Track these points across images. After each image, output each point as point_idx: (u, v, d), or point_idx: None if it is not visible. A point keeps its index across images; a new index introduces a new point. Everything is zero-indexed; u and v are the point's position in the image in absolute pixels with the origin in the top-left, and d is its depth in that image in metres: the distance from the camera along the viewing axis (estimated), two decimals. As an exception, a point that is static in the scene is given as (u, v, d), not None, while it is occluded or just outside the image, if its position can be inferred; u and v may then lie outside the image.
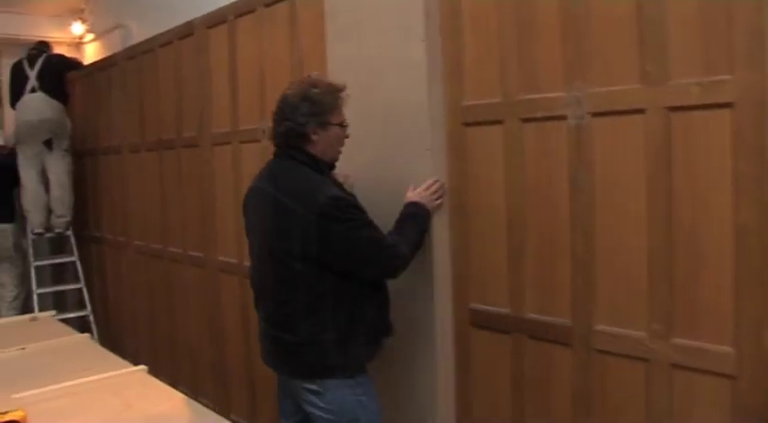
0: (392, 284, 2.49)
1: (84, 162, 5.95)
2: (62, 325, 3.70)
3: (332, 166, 2.46)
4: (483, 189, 2.49)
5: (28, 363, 2.92)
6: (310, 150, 2.35)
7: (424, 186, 2.50)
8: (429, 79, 2.53)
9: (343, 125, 2.40)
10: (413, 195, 2.48)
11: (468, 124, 2.52)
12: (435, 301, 2.58)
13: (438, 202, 2.52)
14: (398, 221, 2.41)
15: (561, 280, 2.27)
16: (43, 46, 5.79)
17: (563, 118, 2.21)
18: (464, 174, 2.54)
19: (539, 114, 2.28)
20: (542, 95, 2.27)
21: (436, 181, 2.52)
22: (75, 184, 5.85)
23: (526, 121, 2.33)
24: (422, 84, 2.53)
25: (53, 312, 4.05)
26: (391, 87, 2.66)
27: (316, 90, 2.33)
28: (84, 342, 3.32)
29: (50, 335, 3.37)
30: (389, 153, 2.68)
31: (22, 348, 3.12)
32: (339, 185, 2.41)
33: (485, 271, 2.51)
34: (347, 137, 2.43)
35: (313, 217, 2.20)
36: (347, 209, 2.26)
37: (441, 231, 2.57)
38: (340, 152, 2.44)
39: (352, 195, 2.45)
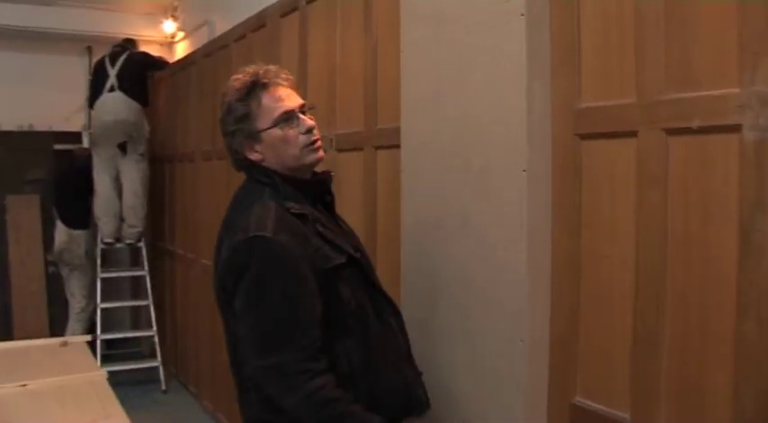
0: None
1: (163, 169, 5.51)
2: (88, 355, 3.18)
3: (313, 179, 1.79)
4: (603, 233, 1.69)
5: (16, 407, 2.42)
6: (266, 166, 1.73)
7: None
8: (529, 70, 1.76)
9: (284, 120, 1.71)
10: None
11: (584, 136, 1.73)
12: (523, 385, 1.80)
13: None
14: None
15: (717, 385, 1.44)
16: (128, 43, 5.41)
17: (734, 129, 1.39)
18: (576, 208, 1.75)
19: (694, 123, 1.46)
20: (701, 93, 1.45)
21: None
22: (152, 192, 5.41)
23: (673, 132, 1.51)
24: (519, 76, 1.77)
25: (89, 337, 3.57)
26: (478, 84, 1.92)
27: (228, 98, 1.73)
28: (98, 383, 2.77)
29: (66, 368, 2.90)
30: (472, 176, 1.94)
31: (23, 385, 2.65)
32: (316, 220, 1.69)
33: (598, 352, 1.71)
34: (308, 130, 1.73)
35: (224, 261, 1.65)
36: (266, 260, 1.58)
37: (539, 287, 1.80)
38: (308, 151, 1.73)
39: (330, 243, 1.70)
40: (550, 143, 1.79)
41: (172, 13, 5.90)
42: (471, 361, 1.93)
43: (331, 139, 2.93)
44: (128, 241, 5.29)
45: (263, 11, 3.61)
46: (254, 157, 1.71)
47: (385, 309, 1.77)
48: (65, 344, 3.39)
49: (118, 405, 2.50)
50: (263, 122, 1.69)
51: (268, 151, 1.70)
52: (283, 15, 3.40)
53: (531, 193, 1.76)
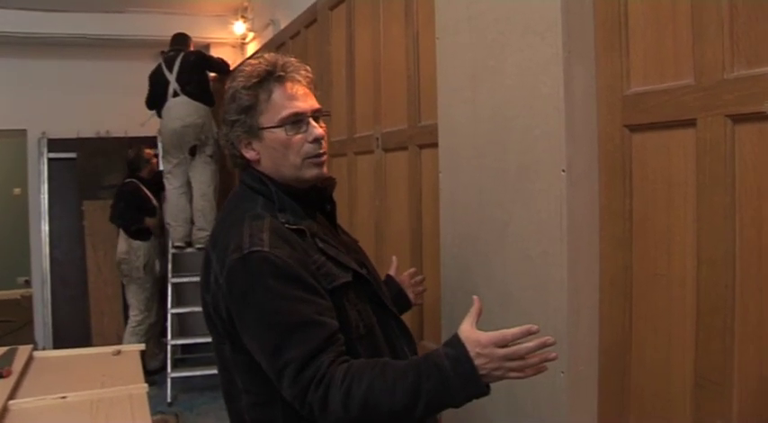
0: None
1: (234, 171, 5.41)
2: (138, 367, 3.04)
3: (313, 191, 1.52)
4: (660, 245, 1.39)
5: (49, 421, 2.31)
6: (261, 170, 1.49)
7: (499, 334, 1.22)
8: (566, 50, 1.48)
9: (292, 123, 1.45)
10: (469, 334, 1.25)
11: (635, 128, 1.43)
12: (568, 423, 1.52)
13: (514, 373, 1.23)
14: (403, 367, 1.30)
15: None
16: (179, 42, 5.23)
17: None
18: (626, 217, 1.46)
19: (767, 106, 1.16)
20: (776, 70, 1.15)
21: (530, 332, 1.22)
22: (222, 193, 5.30)
23: (740, 119, 1.21)
24: (555, 58, 1.50)
25: (142, 346, 3.47)
26: (512, 69, 1.65)
27: (235, 83, 1.46)
28: (136, 397, 2.63)
29: (111, 380, 2.77)
30: (510, 178, 1.67)
31: (63, 397, 2.55)
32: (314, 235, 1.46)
33: (655, 389, 1.42)
34: (316, 139, 1.46)
35: (222, 280, 1.38)
36: (265, 274, 1.32)
37: (584, 311, 1.51)
38: (309, 164, 1.47)
39: (328, 255, 1.45)
40: (595, 137, 1.50)
41: (242, 14, 5.80)
42: (509, 393, 1.66)
43: (377, 138, 2.72)
44: (197, 246, 5.18)
45: (315, 4, 3.43)
46: (249, 155, 1.48)
47: (397, 335, 1.52)
48: (118, 353, 3.31)
49: (149, 421, 2.38)
50: (267, 119, 1.45)
51: (265, 153, 1.47)
52: (332, 8, 3.20)
53: (571, 198, 1.48)
